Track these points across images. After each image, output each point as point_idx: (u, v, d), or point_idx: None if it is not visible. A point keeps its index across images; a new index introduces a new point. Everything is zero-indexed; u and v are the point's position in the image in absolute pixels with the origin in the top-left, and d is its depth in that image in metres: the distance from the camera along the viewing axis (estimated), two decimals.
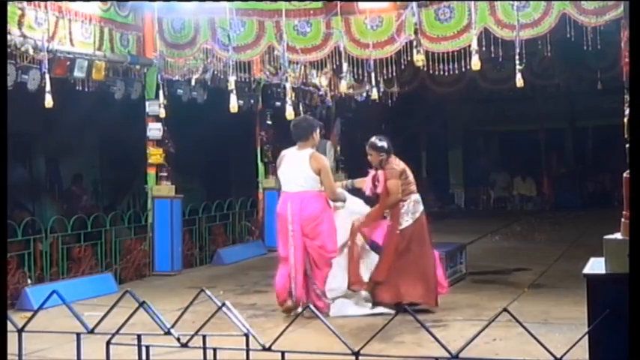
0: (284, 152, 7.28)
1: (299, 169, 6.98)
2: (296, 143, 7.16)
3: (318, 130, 7.21)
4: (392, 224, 7.12)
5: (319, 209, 6.95)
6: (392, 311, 6.66)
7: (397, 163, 7.20)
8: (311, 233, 6.90)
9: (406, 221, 7.07)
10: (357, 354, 2.53)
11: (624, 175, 3.58)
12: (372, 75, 9.13)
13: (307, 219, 6.88)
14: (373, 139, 7.34)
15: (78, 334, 2.87)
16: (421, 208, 7.20)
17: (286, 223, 6.95)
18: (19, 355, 2.83)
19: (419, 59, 8.37)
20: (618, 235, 3.65)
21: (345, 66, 9.14)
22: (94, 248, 9.03)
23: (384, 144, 7.22)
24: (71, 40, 8.56)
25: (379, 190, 7.18)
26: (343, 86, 10.46)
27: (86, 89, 8.94)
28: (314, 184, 6.96)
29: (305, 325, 5.78)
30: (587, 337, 3.05)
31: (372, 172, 7.37)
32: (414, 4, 8.42)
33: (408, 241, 7.06)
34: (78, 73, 8.61)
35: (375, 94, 10.52)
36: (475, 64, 8.09)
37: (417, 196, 7.21)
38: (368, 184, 7.33)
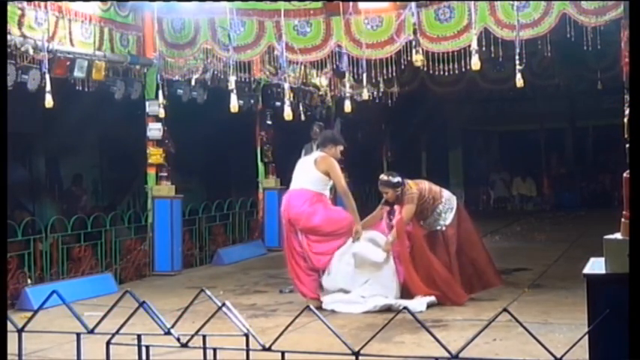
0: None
1: (305, 170, 7.36)
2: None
3: (336, 146, 7.44)
4: (428, 233, 7.35)
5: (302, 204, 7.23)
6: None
7: (411, 188, 7.25)
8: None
9: (448, 219, 7.34)
10: (357, 354, 2.53)
11: (624, 175, 3.57)
12: (365, 76, 9.21)
13: (295, 214, 7.24)
14: (385, 177, 7.40)
15: (78, 334, 2.87)
16: (455, 201, 7.50)
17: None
18: (19, 355, 2.83)
19: (418, 59, 8.37)
20: (618, 235, 3.64)
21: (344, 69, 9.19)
22: (94, 248, 9.04)
23: (398, 179, 7.26)
24: (71, 40, 8.56)
25: (395, 220, 7.29)
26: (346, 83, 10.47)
27: (86, 89, 8.94)
28: (318, 185, 7.25)
29: (305, 325, 5.77)
30: (587, 337, 3.05)
31: (384, 208, 7.46)
32: (413, 4, 8.41)
33: (457, 236, 7.33)
34: (78, 73, 8.61)
35: (365, 95, 10.52)
36: (475, 64, 8.09)
37: (446, 195, 7.45)
38: (384, 220, 7.44)
